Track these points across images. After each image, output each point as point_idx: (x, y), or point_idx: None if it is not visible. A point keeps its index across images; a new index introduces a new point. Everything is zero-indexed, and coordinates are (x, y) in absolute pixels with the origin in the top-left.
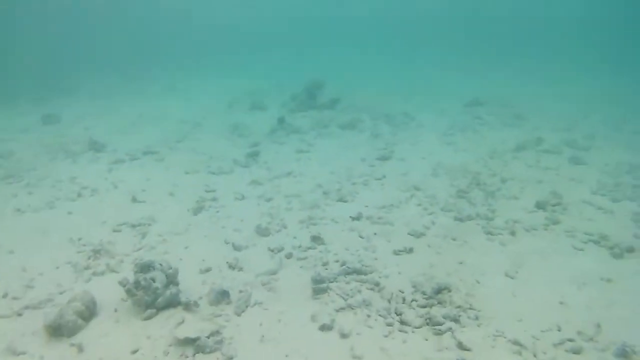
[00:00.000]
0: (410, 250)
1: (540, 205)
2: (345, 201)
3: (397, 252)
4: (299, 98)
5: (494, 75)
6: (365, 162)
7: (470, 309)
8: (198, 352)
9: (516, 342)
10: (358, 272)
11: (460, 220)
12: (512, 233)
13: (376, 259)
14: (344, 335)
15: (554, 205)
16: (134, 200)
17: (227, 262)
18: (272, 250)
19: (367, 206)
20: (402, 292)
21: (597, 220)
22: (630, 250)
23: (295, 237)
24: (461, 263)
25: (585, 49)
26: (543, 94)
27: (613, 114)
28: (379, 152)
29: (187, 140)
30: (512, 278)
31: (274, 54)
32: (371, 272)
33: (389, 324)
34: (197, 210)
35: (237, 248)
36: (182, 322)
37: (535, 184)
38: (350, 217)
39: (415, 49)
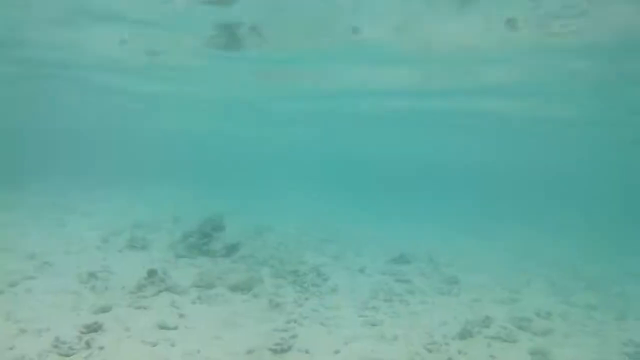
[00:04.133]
0: None
1: None
2: None
3: None
4: (190, 240)
5: (419, 228)
6: (252, 355)
7: None
8: None
9: None
10: None
11: None
12: None
13: None
14: None
15: None
16: None
17: None
18: None
19: None
20: None
21: None
22: None
23: None
24: None
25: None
26: (472, 248)
27: (557, 280)
28: (276, 335)
29: (15, 290)
30: None
31: (188, 177)
32: None
33: None
34: None
35: None
36: None
37: None
38: None
39: (337, 190)
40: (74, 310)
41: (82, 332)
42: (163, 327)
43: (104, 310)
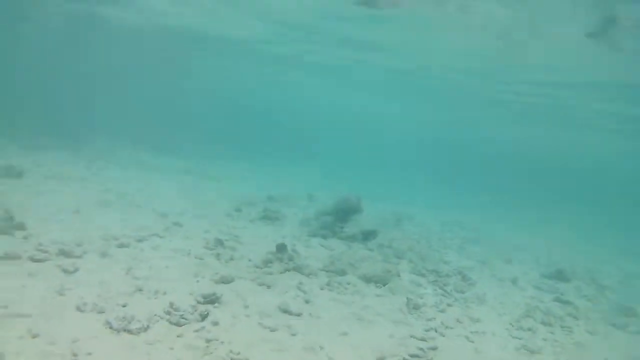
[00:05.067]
0: None
1: None
2: None
3: None
4: (324, 218)
5: (574, 241)
6: None
7: None
8: None
9: None
10: None
11: None
12: None
13: None
14: None
15: None
16: None
17: None
18: None
19: None
20: None
21: None
22: None
23: None
24: None
25: None
26: None
27: None
28: (413, 343)
29: (141, 245)
30: None
31: (327, 156)
32: None
33: None
34: None
35: None
36: None
37: None
38: None
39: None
40: (195, 276)
41: (199, 302)
42: (285, 310)
43: (226, 281)
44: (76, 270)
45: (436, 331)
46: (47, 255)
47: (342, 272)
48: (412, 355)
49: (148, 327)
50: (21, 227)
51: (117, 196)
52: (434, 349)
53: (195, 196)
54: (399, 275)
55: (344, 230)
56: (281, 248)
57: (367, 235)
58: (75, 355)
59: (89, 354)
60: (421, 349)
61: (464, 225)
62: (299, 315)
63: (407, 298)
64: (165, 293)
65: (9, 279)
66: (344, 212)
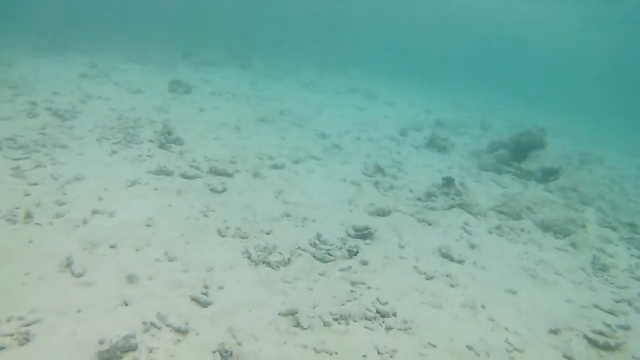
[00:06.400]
0: None
1: None
2: None
3: None
4: (499, 151)
5: None
6: (557, 338)
7: None
8: None
9: None
10: None
11: None
12: None
13: None
14: None
15: None
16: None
17: None
18: None
19: None
20: None
21: None
22: None
23: None
24: None
25: None
26: None
27: None
28: (598, 316)
29: (296, 168)
30: None
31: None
32: None
33: None
34: None
35: None
36: None
37: None
38: None
39: None
40: (350, 204)
41: (349, 235)
42: (446, 255)
43: (382, 213)
44: (224, 190)
45: (630, 304)
46: (199, 173)
47: (517, 216)
48: (596, 332)
49: (289, 260)
50: (179, 142)
51: (279, 114)
52: (625, 328)
53: (359, 117)
54: (584, 227)
55: (521, 165)
56: (448, 181)
57: (548, 174)
58: (206, 287)
59: (221, 287)
60: (608, 325)
61: None
62: (461, 262)
63: (594, 256)
64: (314, 221)
65: (159, 197)
66: (524, 147)
